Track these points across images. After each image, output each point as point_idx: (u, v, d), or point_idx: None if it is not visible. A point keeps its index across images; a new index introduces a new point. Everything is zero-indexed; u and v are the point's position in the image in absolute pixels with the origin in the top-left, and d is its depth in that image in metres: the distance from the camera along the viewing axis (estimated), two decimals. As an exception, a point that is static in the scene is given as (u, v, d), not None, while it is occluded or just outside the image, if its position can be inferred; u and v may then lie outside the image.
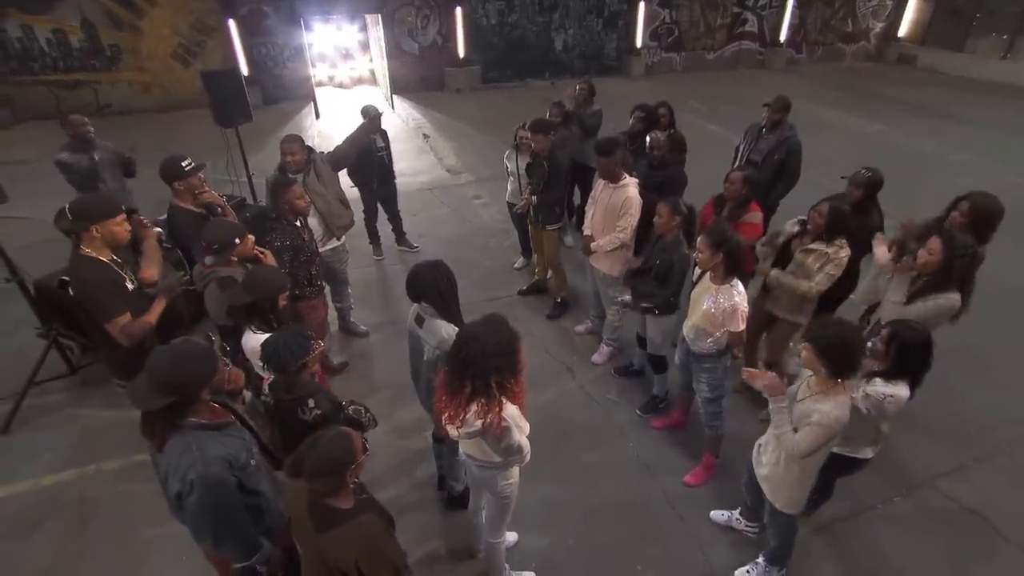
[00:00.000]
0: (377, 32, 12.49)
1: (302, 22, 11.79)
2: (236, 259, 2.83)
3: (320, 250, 4.12)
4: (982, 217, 3.17)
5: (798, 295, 3.40)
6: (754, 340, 3.91)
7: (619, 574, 3.00)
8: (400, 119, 11.31)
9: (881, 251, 3.28)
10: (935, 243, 2.84)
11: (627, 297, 3.73)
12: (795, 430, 2.35)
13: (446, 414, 2.15)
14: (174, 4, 10.96)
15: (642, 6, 13.05)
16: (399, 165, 8.60)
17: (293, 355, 2.15)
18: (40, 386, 3.89)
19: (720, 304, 2.91)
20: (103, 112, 11.23)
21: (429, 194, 7.73)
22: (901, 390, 2.37)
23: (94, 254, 2.66)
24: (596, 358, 4.47)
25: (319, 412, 2.17)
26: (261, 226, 3.38)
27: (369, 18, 12.82)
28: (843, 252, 3.25)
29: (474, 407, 2.09)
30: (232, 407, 2.06)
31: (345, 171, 5.30)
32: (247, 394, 2.26)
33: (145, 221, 3.11)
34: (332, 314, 4.82)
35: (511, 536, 3.08)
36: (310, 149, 3.99)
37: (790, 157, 4.77)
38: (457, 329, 2.54)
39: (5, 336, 4.46)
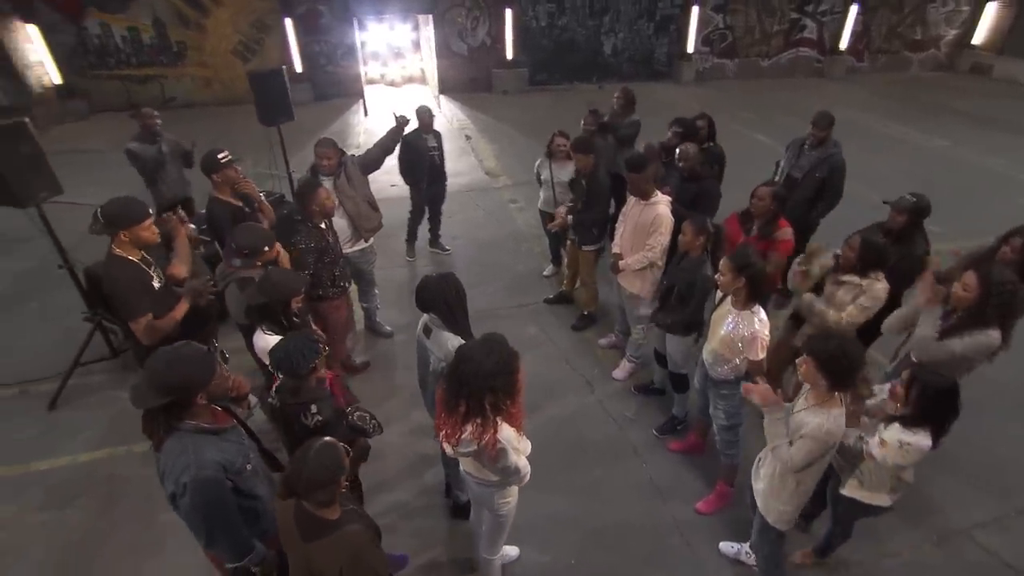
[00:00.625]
0: (428, 32, 12.70)
1: (355, 21, 12.08)
2: (260, 263, 2.92)
3: (348, 251, 4.23)
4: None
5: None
6: (778, 375, 3.75)
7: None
8: (446, 119, 11.45)
9: (925, 287, 3.06)
10: (970, 278, 2.66)
11: (647, 311, 3.66)
12: (791, 443, 2.32)
13: (443, 432, 2.16)
14: (237, 3, 11.43)
15: (695, 11, 12.74)
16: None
17: (304, 358, 2.21)
18: (84, 367, 4.13)
19: (739, 330, 2.81)
20: (167, 105, 11.83)
21: (466, 196, 7.79)
22: (921, 439, 2.24)
23: (124, 254, 2.80)
24: (617, 373, 4.40)
25: (320, 419, 2.22)
26: (289, 227, 3.48)
27: (421, 18, 13.03)
28: (878, 284, 3.08)
29: (470, 427, 2.08)
30: (234, 412, 2.13)
31: (398, 168, 5.44)
32: (253, 399, 2.34)
33: (180, 215, 3.26)
34: (358, 313, 4.93)
35: (512, 550, 3.08)
36: (342, 152, 4.08)
37: (832, 175, 4.56)
38: (454, 339, 2.56)
39: (57, 319, 4.77)
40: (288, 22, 11.60)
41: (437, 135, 5.61)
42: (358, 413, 2.50)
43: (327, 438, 1.81)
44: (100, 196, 5.41)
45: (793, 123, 10.87)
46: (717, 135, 5.23)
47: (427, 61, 13.77)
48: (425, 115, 5.43)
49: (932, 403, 2.24)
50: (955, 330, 2.73)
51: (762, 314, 2.81)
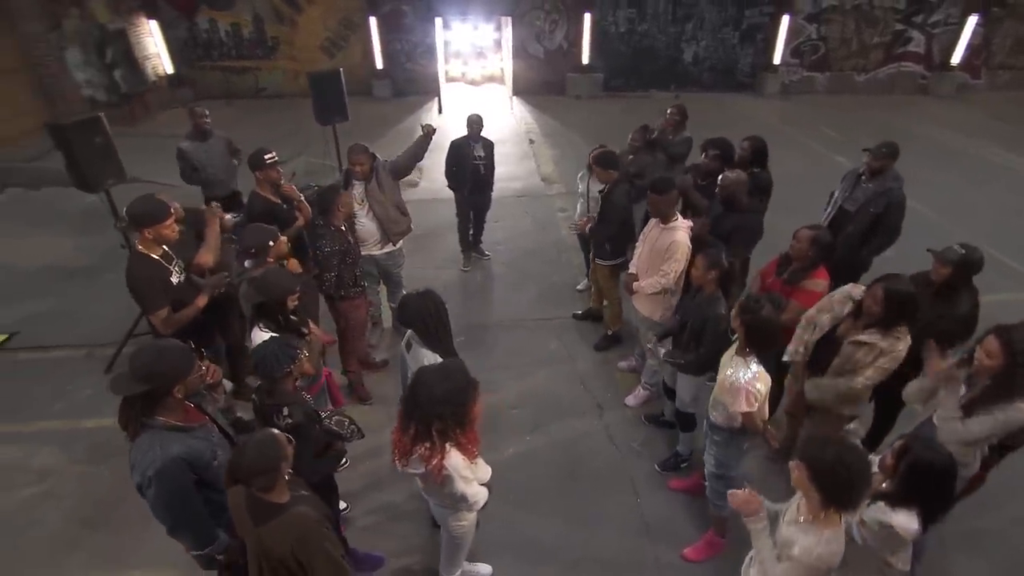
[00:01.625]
0: (507, 33, 12.85)
1: (436, 21, 12.42)
2: (272, 259, 3.11)
3: (376, 253, 4.40)
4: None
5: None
6: (795, 429, 3.51)
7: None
8: (515, 121, 11.55)
9: (931, 361, 2.74)
10: (991, 344, 2.36)
11: (653, 346, 3.53)
12: (779, 558, 2.06)
13: (396, 450, 2.21)
14: (328, 2, 12.09)
15: (786, 20, 12.04)
16: (499, 169, 8.79)
17: (279, 362, 2.34)
18: (138, 338, 4.56)
19: (732, 378, 2.66)
20: (259, 95, 12.76)
21: (517, 202, 7.83)
22: (904, 520, 2.00)
23: (146, 251, 3.07)
24: (630, 400, 4.29)
25: (291, 421, 2.34)
26: (330, 200, 3.65)
27: (504, 19, 13.19)
28: (901, 344, 2.79)
29: (419, 450, 2.12)
30: (206, 410, 2.30)
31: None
32: (228, 384, 2.49)
33: (213, 207, 3.51)
34: (386, 312, 5.11)
35: (485, 568, 3.10)
36: (374, 157, 4.24)
37: (889, 212, 4.18)
38: (438, 358, 2.60)
39: (117, 294, 5.26)
40: (373, 20, 12.11)
41: (488, 145, 5.63)
42: (337, 418, 2.61)
43: (270, 429, 1.91)
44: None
45: (882, 146, 10.06)
46: (770, 157, 4.86)
47: (506, 62, 13.94)
48: (474, 124, 5.51)
49: (921, 481, 2.00)
50: (980, 403, 2.44)
51: (756, 366, 2.63)
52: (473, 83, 15.59)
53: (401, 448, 2.18)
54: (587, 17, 12.08)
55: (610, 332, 4.91)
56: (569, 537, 3.34)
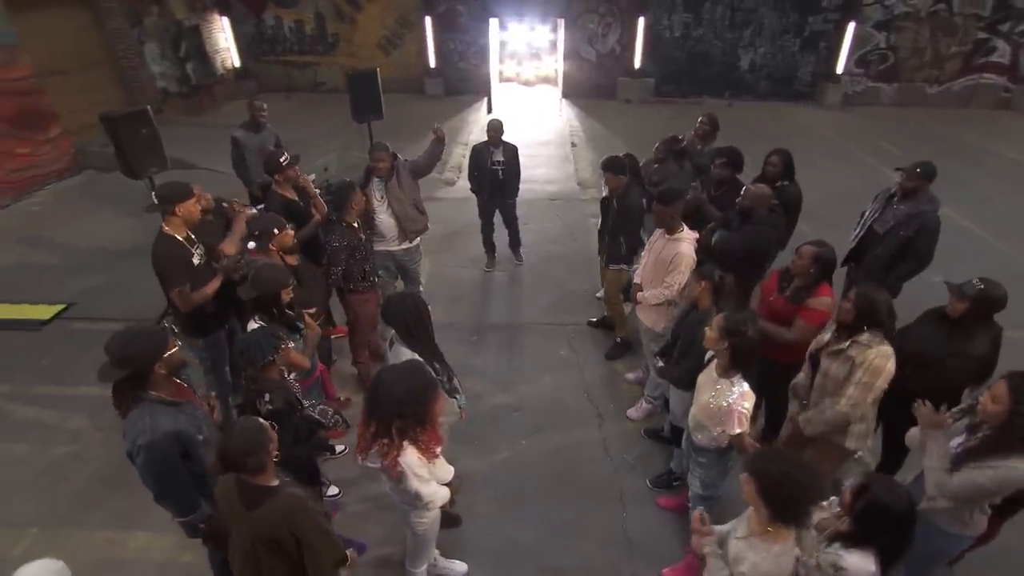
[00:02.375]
0: (561, 35, 12.85)
1: (491, 21, 12.55)
2: (275, 248, 3.28)
3: (394, 249, 4.54)
4: None
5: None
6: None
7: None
8: (562, 123, 11.55)
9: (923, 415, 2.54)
10: (1000, 388, 2.21)
11: (653, 359, 3.50)
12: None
13: (358, 444, 2.30)
14: (386, 1, 12.45)
15: (852, 27, 11.45)
16: (538, 171, 8.93)
17: (261, 352, 2.48)
18: (170, 317, 4.88)
19: (717, 400, 2.61)
20: (317, 89, 13.29)
21: (550, 205, 7.85)
22: (860, 562, 1.91)
23: (172, 232, 3.30)
24: (632, 412, 4.26)
25: (271, 407, 2.48)
26: (344, 197, 3.82)
27: (559, 21, 13.19)
28: (871, 352, 2.66)
29: (377, 446, 2.21)
30: (194, 388, 2.47)
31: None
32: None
33: (235, 203, 3.74)
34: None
35: (460, 566, 3.17)
36: (395, 156, 4.37)
37: (920, 236, 3.95)
38: (417, 358, 2.69)
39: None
40: (428, 20, 12.38)
41: (509, 150, 5.66)
42: (320, 408, 2.75)
43: (252, 416, 2.05)
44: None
45: (947, 165, 9.33)
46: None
47: (559, 64, 13.94)
48: (492, 129, 5.57)
49: (877, 523, 1.92)
50: (975, 454, 2.28)
51: (743, 386, 2.58)
52: (527, 84, 15.67)
53: (362, 443, 2.28)
54: (641, 21, 11.90)
55: (619, 339, 4.87)
56: (549, 543, 3.36)
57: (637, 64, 12.45)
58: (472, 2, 12.33)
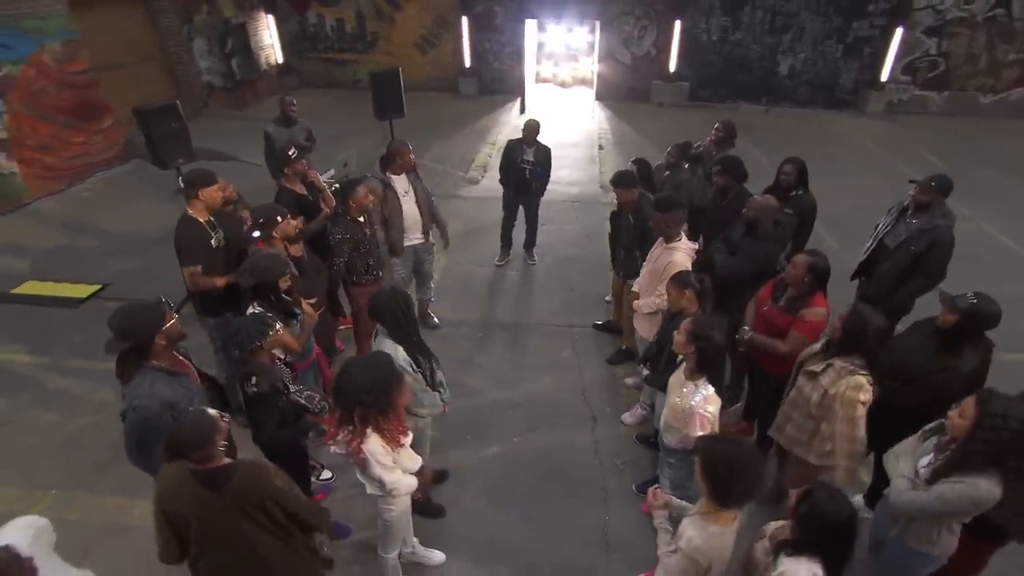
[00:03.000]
0: (596, 37, 12.83)
1: (526, 23, 12.63)
2: (279, 237, 3.45)
3: (416, 242, 4.72)
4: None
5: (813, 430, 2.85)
6: (783, 471, 3.35)
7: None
8: (594, 125, 11.53)
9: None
10: (969, 404, 2.16)
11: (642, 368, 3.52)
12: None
13: (327, 431, 2.42)
14: (424, 0, 12.68)
15: (899, 32, 11.01)
16: (562, 172, 8.97)
17: (248, 336, 2.64)
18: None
19: (683, 402, 2.64)
20: (355, 86, 13.62)
21: (570, 207, 7.88)
22: (803, 569, 1.90)
23: (195, 215, 3.54)
24: (626, 417, 4.27)
25: (256, 390, 2.63)
26: (347, 193, 3.99)
27: (596, 23, 13.17)
28: (841, 384, 2.63)
29: (343, 433, 2.32)
30: (195, 365, 2.64)
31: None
32: None
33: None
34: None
35: (438, 555, 3.27)
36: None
37: (933, 252, 3.82)
38: (400, 349, 2.79)
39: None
40: (465, 20, 12.55)
41: (541, 151, 5.75)
42: (307, 393, 2.88)
43: (204, 409, 2.19)
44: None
45: (993, 179, 8.97)
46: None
47: (594, 65, 13.91)
48: (527, 129, 5.68)
49: (817, 530, 1.92)
50: (943, 472, 2.24)
51: (708, 390, 2.60)
52: (563, 85, 15.68)
53: (331, 429, 2.40)
54: (677, 24, 11.76)
55: (624, 347, 4.88)
56: (529, 540, 3.43)
57: (672, 68, 12.30)
58: (509, 3, 12.43)
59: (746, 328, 3.55)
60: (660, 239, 3.78)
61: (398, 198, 4.53)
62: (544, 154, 5.73)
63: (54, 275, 6.01)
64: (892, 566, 2.59)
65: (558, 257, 6.58)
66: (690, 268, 3.57)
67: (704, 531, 2.02)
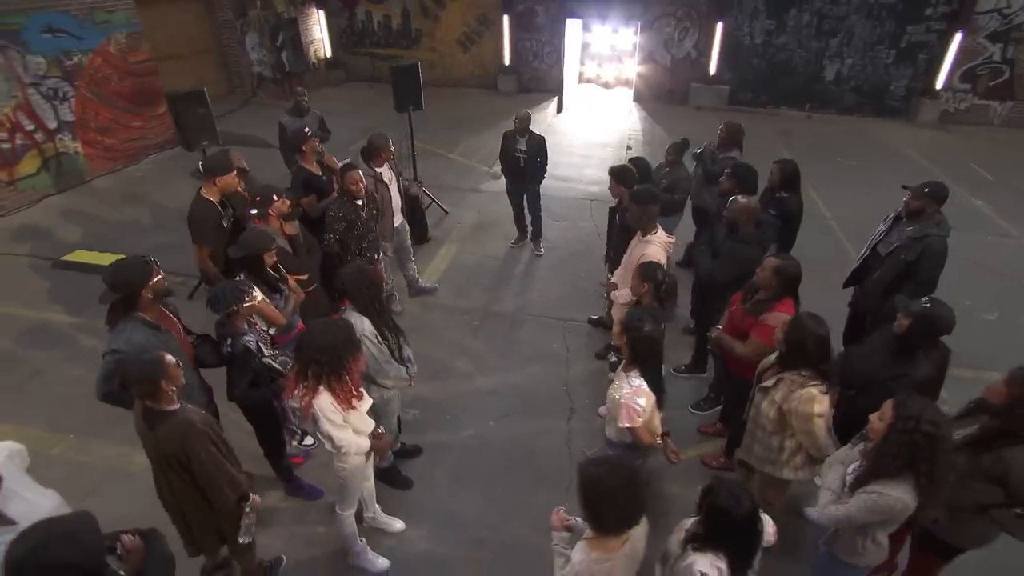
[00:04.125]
0: (636, 38, 12.75)
1: (567, 23, 12.68)
2: (274, 214, 3.71)
3: (397, 224, 5.00)
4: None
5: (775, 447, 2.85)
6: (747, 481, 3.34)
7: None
8: (629, 126, 11.49)
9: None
10: (887, 406, 2.14)
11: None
12: None
13: (288, 385, 2.63)
14: (468, -1, 12.96)
15: (959, 38, 10.42)
16: (587, 171, 9.03)
17: (224, 300, 2.88)
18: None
19: (615, 393, 2.71)
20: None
21: (586, 205, 7.93)
22: (709, 565, 1.94)
23: (208, 196, 3.85)
24: (603, 410, 4.28)
25: (230, 351, 2.88)
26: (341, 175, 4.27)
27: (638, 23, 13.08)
28: (794, 397, 2.61)
29: (299, 388, 2.52)
30: (179, 319, 2.93)
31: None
32: None
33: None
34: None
35: (398, 524, 3.45)
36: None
37: (923, 261, 3.68)
38: (366, 321, 2.99)
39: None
40: (506, 18, 12.73)
41: (534, 140, 5.92)
42: (281, 359, 3.12)
43: (160, 352, 2.43)
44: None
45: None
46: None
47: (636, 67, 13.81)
48: (518, 119, 5.87)
49: (717, 525, 1.96)
50: (864, 477, 2.23)
51: (637, 382, 2.65)
52: (606, 86, 15.62)
53: (291, 384, 2.60)
54: (719, 26, 11.54)
55: (613, 343, 4.92)
56: (485, 518, 3.57)
57: (712, 70, 12.07)
58: (550, 3, 12.52)
59: (718, 327, 3.57)
60: (639, 232, 3.83)
61: (387, 188, 4.79)
62: (537, 143, 5.90)
63: (100, 246, 6.57)
64: (820, 574, 2.59)
65: (566, 252, 6.66)
66: (663, 261, 3.62)
67: (586, 556, 1.99)
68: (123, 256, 3.03)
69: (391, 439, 2.99)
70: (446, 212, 7.48)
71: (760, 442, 2.90)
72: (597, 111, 12.73)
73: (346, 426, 2.65)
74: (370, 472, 3.19)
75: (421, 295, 5.69)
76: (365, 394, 2.79)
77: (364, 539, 3.26)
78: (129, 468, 3.86)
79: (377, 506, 3.42)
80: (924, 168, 9.18)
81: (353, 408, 2.64)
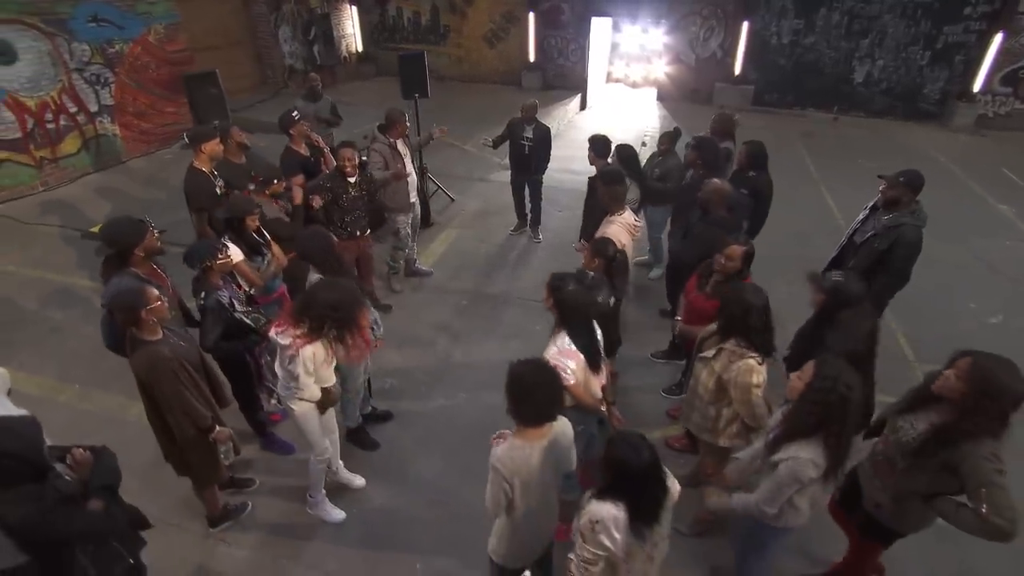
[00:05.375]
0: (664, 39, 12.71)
1: (591, 21, 12.73)
2: (268, 193, 3.95)
3: (413, 200, 5.28)
4: (983, 388, 2.16)
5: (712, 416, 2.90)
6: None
7: (399, 567, 3.25)
8: (646, 125, 11.47)
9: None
10: (808, 366, 2.17)
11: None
12: None
13: (276, 325, 2.84)
14: (495, -4, 13.16)
15: (999, 39, 10.00)
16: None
17: (198, 256, 3.11)
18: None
19: (545, 353, 2.80)
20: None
21: (592, 198, 7.97)
22: (607, 512, 2.02)
23: (200, 166, 4.12)
24: (573, 389, 4.40)
25: (203, 303, 3.10)
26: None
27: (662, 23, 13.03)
28: (733, 369, 2.65)
29: (298, 331, 2.72)
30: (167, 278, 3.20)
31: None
32: None
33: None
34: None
35: (358, 480, 3.62)
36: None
37: (896, 251, 3.64)
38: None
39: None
40: (531, 16, 12.87)
41: (540, 129, 6.02)
42: (254, 315, 3.33)
43: (143, 284, 2.65)
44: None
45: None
46: (769, 164, 4.56)
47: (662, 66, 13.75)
48: (526, 109, 6.03)
49: (618, 476, 2.03)
50: (781, 437, 2.26)
51: (563, 341, 2.72)
52: (634, 85, 15.57)
53: (281, 326, 2.80)
54: (745, 25, 11.39)
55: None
56: (442, 482, 3.71)
57: (737, 70, 11.92)
58: (575, 1, 12.59)
59: (677, 318, 3.63)
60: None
61: (403, 159, 4.99)
62: (543, 132, 5.99)
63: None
64: (744, 533, 2.63)
65: (564, 240, 6.73)
66: (625, 242, 3.69)
67: (510, 443, 2.23)
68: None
69: (337, 395, 3.15)
70: (452, 199, 7.66)
71: (698, 411, 2.95)
72: (620, 109, 12.73)
73: (313, 375, 2.83)
74: (334, 425, 3.38)
75: (416, 276, 5.87)
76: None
77: (325, 491, 3.44)
78: (126, 416, 4.15)
79: (340, 462, 3.59)
80: (950, 171, 8.88)
81: (355, 361, 2.84)
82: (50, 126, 8.04)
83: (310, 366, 2.81)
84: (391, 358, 4.70)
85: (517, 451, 2.20)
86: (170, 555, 3.23)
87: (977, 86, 10.48)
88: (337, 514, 3.43)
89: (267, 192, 3.98)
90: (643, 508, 2.06)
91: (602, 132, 5.17)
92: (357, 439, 3.89)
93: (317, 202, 4.24)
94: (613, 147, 5.11)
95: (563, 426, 2.34)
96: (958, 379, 2.21)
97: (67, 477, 2.11)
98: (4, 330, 5.17)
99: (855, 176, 8.52)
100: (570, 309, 2.73)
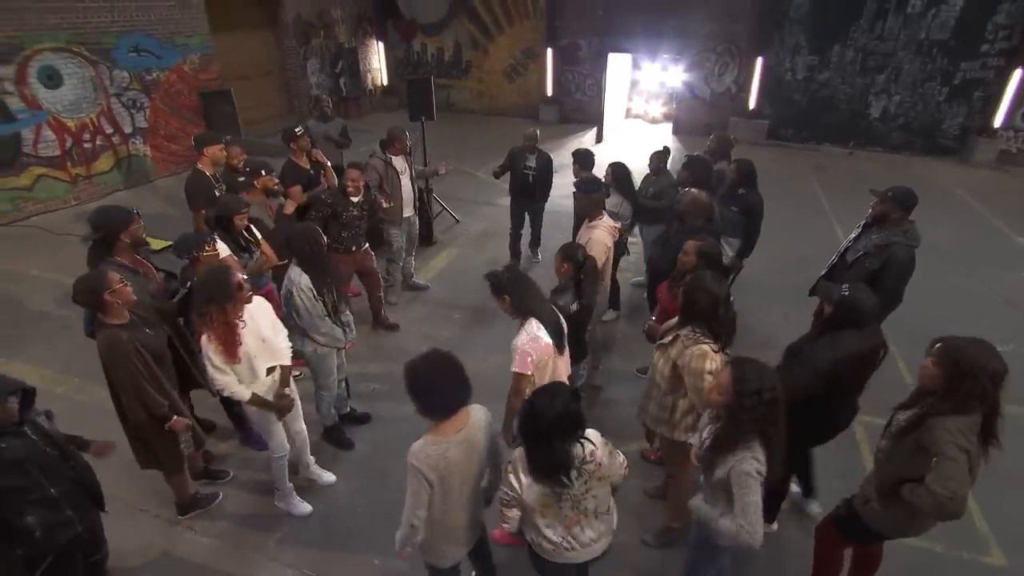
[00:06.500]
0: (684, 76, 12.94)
1: (608, 57, 13.08)
2: (259, 187, 4.13)
3: (408, 215, 5.44)
4: (956, 367, 2.15)
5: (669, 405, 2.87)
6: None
7: (357, 563, 3.26)
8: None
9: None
10: (724, 377, 2.14)
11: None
12: None
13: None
14: (515, 33, 13.64)
15: (1018, 75, 9.89)
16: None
17: (185, 246, 3.26)
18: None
19: (515, 340, 2.84)
20: (449, 108, 14.85)
21: (597, 223, 8.04)
22: (518, 451, 2.15)
23: (202, 168, 4.36)
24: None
25: (187, 291, 3.23)
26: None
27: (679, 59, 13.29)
28: (687, 354, 2.63)
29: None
30: (153, 266, 3.35)
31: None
32: None
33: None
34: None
35: (329, 477, 3.64)
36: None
37: (886, 270, 3.56)
38: (304, 276, 3.27)
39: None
40: (550, 51, 13.29)
41: (543, 158, 6.07)
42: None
43: (104, 268, 2.78)
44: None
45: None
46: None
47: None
48: (527, 138, 6.09)
49: (530, 427, 2.10)
50: (716, 445, 2.22)
51: (533, 329, 2.76)
52: (654, 121, 15.82)
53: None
54: (760, 61, 11.53)
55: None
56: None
57: (752, 105, 12.02)
58: (592, 38, 12.98)
59: (651, 319, 3.62)
60: (587, 219, 3.97)
61: (398, 175, 5.16)
62: (545, 160, 6.05)
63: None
64: (697, 537, 2.55)
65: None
66: (609, 244, 3.75)
67: (425, 441, 2.20)
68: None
69: (291, 401, 3.18)
70: (457, 220, 7.83)
71: (655, 401, 2.92)
72: (636, 143, 12.90)
73: (226, 371, 2.86)
74: (300, 427, 3.43)
75: (413, 290, 5.97)
76: (260, 370, 3.01)
77: (292, 484, 3.47)
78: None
79: (311, 458, 3.63)
80: (967, 204, 8.71)
81: (232, 360, 2.82)
82: (87, 145, 8.59)
83: (217, 361, 2.81)
84: (378, 365, 4.77)
85: (432, 448, 2.18)
86: (136, 538, 3.29)
87: (998, 122, 10.32)
88: (304, 507, 3.45)
89: (256, 183, 4.16)
90: (539, 459, 2.06)
91: (611, 159, 5.24)
92: (332, 438, 3.93)
93: (289, 208, 4.42)
94: (607, 167, 5.21)
95: (477, 414, 2.33)
96: (934, 364, 2.24)
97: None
98: (18, 327, 5.44)
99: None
100: (518, 305, 2.79)
